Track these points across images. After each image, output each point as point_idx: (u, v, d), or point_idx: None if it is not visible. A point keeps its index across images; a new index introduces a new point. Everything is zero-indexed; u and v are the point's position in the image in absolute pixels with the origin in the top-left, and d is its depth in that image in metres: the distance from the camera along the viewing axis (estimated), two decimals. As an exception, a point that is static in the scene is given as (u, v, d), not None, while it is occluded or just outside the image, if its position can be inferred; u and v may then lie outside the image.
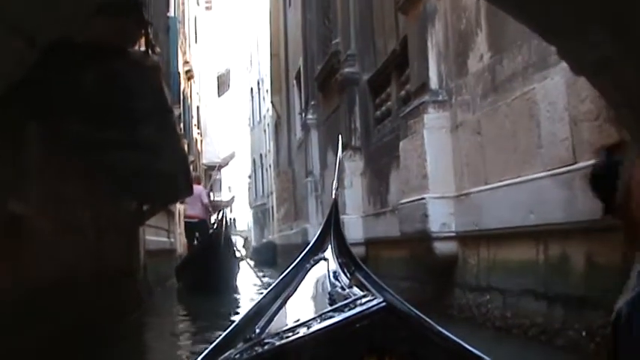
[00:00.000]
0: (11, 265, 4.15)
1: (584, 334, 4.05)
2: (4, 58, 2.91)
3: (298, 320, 2.19)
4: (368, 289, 2.50)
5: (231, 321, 6.49)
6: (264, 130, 35.14)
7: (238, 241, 16.63)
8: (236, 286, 12.67)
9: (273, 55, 23.71)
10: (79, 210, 6.10)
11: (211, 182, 22.85)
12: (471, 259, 5.96)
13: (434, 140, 6.45)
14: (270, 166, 32.17)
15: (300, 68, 18.34)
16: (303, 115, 17.03)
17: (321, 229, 3.37)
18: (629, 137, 3.29)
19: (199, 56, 28.40)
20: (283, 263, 16.63)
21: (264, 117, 35.01)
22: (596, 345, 3.91)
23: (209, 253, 11.12)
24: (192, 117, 22.12)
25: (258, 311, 2.55)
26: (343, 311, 2.13)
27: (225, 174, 40.86)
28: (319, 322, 2.09)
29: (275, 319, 2.43)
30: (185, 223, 15.01)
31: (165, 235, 14.63)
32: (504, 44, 5.39)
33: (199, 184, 14.98)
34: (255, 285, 12.89)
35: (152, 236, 11.88)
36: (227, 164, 36.63)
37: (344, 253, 3.11)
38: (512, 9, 3.86)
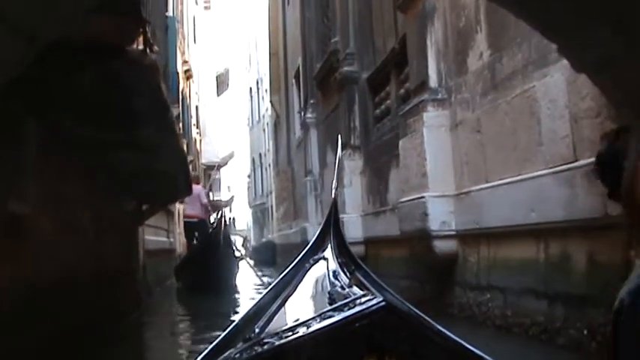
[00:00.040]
0: (10, 265, 4.13)
1: (585, 332, 4.03)
2: (3, 57, 2.90)
3: (298, 320, 2.19)
4: (367, 289, 2.49)
5: (230, 321, 6.47)
6: (264, 130, 35.12)
7: (237, 241, 16.58)
8: (235, 286, 12.65)
9: (272, 55, 23.68)
10: (79, 210, 6.08)
11: (210, 182, 22.81)
12: (471, 258, 5.94)
13: (433, 139, 6.43)
14: (269, 165, 32.15)
15: (299, 67, 18.32)
16: (302, 114, 17.02)
17: (321, 228, 3.36)
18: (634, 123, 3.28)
19: (198, 56, 28.36)
20: (283, 263, 16.61)
21: (263, 116, 34.99)
22: (597, 344, 3.89)
23: (208, 252, 11.10)
24: (191, 117, 22.08)
25: (258, 311, 2.54)
26: (343, 311, 2.12)
27: (224, 173, 40.82)
28: (319, 322, 2.09)
29: (274, 318, 2.42)
30: (184, 222, 14.99)
31: (164, 234, 14.61)
32: (504, 42, 5.37)
33: (198, 183, 14.96)
34: (254, 284, 12.88)
35: (151, 236, 11.86)
36: (226, 164, 36.55)
37: (343, 252, 3.10)
38: (513, 6, 3.85)
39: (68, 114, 4.89)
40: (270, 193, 30.68)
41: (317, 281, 2.89)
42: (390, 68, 9.10)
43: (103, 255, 6.91)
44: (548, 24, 3.68)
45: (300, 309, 2.56)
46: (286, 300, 2.68)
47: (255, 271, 13.99)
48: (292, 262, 3.06)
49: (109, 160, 6.34)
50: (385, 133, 9.13)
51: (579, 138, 4.24)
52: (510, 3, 3.89)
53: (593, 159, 3.99)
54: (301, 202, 16.86)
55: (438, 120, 6.46)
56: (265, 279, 12.76)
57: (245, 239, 23.99)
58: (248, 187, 43.51)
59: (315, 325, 2.07)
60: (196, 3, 30.08)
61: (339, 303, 2.23)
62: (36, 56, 3.31)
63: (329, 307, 2.21)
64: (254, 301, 2.72)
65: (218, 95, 37.46)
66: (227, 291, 11.30)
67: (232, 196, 29.54)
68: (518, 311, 4.96)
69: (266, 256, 24.22)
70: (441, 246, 6.23)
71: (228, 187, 45.35)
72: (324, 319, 2.10)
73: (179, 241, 17.12)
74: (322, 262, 2.99)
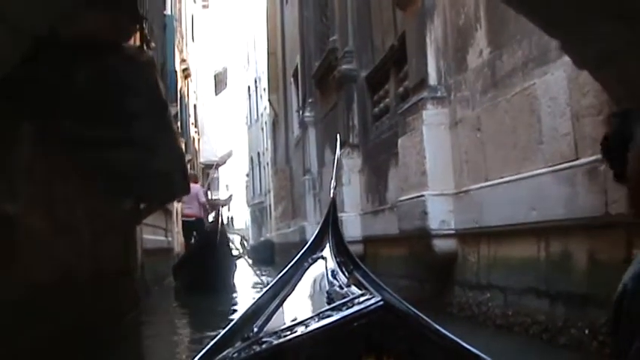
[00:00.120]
0: (4, 266, 4.08)
1: (586, 332, 4.00)
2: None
3: (296, 319, 2.18)
4: (366, 288, 2.48)
5: (228, 320, 6.45)
6: (262, 129, 35.11)
7: (235, 240, 16.60)
8: (233, 285, 12.64)
9: (271, 53, 23.64)
10: (75, 209, 6.02)
11: (209, 181, 22.74)
12: (470, 257, 5.91)
13: (433, 137, 6.40)
14: (267, 164, 32.14)
15: (297, 66, 18.30)
16: (301, 112, 16.99)
17: (320, 227, 3.35)
18: None
19: (196, 55, 28.34)
20: (281, 262, 16.59)
21: (262, 115, 34.98)
22: (599, 343, 3.86)
23: (206, 251, 11.08)
24: (189, 115, 22.07)
25: (256, 310, 2.54)
26: (341, 310, 2.11)
27: (222, 172, 40.82)
28: (317, 321, 2.08)
29: (273, 318, 2.40)
30: (182, 222, 14.96)
31: (162, 233, 14.57)
32: (504, 39, 5.34)
33: (197, 182, 14.95)
34: (253, 283, 12.85)
35: (149, 235, 11.82)
36: (224, 163, 36.52)
37: (342, 251, 3.08)
38: (514, 1, 3.81)
39: (63, 112, 4.83)
40: (269, 192, 30.66)
41: (315, 280, 2.87)
42: (389, 66, 9.06)
43: (100, 254, 6.86)
44: (550, 19, 3.65)
45: (299, 308, 2.55)
46: (285, 299, 2.67)
47: (254, 270, 13.95)
48: (291, 261, 3.05)
49: (105, 158, 6.28)
50: (384, 131, 9.10)
51: (581, 136, 4.21)
52: (511, -1, 3.86)
53: (595, 157, 3.98)
54: (300, 201, 16.84)
55: (438, 118, 6.43)
56: (264, 278, 12.75)
57: (242, 238, 23.96)
58: (246, 186, 43.53)
59: (314, 325, 2.06)
60: (194, 2, 30.07)
61: (338, 302, 2.22)
62: (30, 54, 3.27)
63: (327, 307, 2.20)
64: (252, 300, 2.71)
65: (216, 94, 37.43)
66: (225, 290, 11.30)
67: (230, 195, 29.47)
68: (518, 310, 4.92)
69: (264, 255, 24.21)
70: (441, 245, 6.19)
71: (227, 186, 45.33)
72: (323, 318, 2.09)
73: (177, 241, 17.09)
74: (321, 262, 2.97)
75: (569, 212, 4.27)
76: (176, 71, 15.97)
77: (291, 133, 20.14)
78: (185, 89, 21.17)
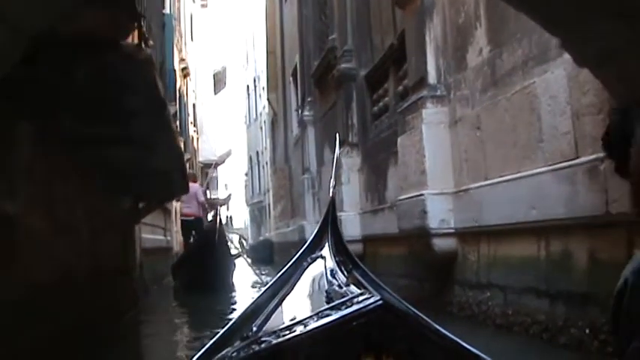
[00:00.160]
0: (4, 266, 4.07)
1: (587, 331, 3.99)
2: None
3: (295, 318, 2.17)
4: (365, 288, 2.48)
5: (227, 319, 6.45)
6: (261, 128, 35.07)
7: (234, 239, 16.62)
8: (232, 284, 12.63)
9: (269, 52, 23.62)
10: (74, 209, 6.01)
11: (208, 180, 22.72)
12: (470, 256, 5.89)
13: (432, 136, 6.38)
14: (266, 163, 32.11)
15: (296, 65, 18.28)
16: (300, 111, 16.96)
17: (319, 227, 3.34)
18: None
19: (195, 54, 28.33)
20: (280, 261, 16.59)
21: (261, 114, 34.93)
22: (599, 343, 3.84)
23: (205, 251, 11.07)
24: (188, 115, 22.05)
25: (255, 309, 2.54)
26: (340, 309, 2.10)
27: (221, 172, 40.81)
28: (316, 321, 2.07)
29: (272, 317, 2.40)
30: (181, 221, 14.95)
31: (161, 233, 14.55)
32: (504, 38, 5.32)
33: (195, 182, 14.93)
34: (253, 282, 12.85)
35: (148, 234, 11.80)
36: (223, 162, 36.45)
37: (341, 251, 3.08)
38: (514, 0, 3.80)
39: (63, 111, 4.82)
40: (268, 191, 30.63)
41: (314, 280, 2.86)
42: (389, 65, 9.04)
43: (99, 254, 6.85)
44: (550, 17, 3.63)
45: (298, 307, 2.54)
46: (284, 298, 2.66)
47: (253, 270, 13.95)
48: (290, 260, 3.05)
49: (104, 157, 6.26)
50: (383, 130, 9.08)
51: (581, 134, 4.19)
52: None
53: (595, 156, 3.97)
54: (299, 200, 16.82)
55: (437, 117, 6.41)
56: (263, 277, 12.73)
57: (241, 237, 23.96)
58: (245, 186, 43.48)
59: (313, 324, 2.05)
60: (193, 1, 30.06)
61: (337, 302, 2.20)
62: (29, 53, 3.25)
63: (326, 306, 2.19)
64: (251, 300, 2.71)
65: (215, 93, 37.44)
66: (224, 289, 11.29)
67: (230, 195, 29.42)
68: (518, 310, 4.91)
69: (263, 255, 24.21)
70: (440, 244, 6.18)
71: (226, 185, 45.27)
72: (322, 317, 2.08)
73: (176, 240, 17.07)
74: (320, 261, 2.97)
75: (570, 211, 4.26)
76: (175, 70, 15.94)
77: (290, 132, 20.12)
78: (184, 88, 21.15)
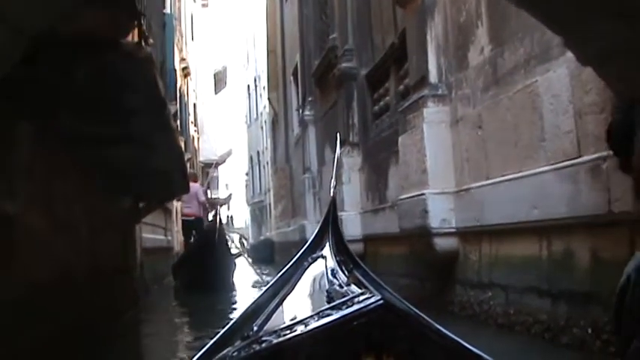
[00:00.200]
0: (4, 266, 4.05)
1: (589, 331, 3.97)
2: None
3: (296, 318, 2.17)
4: (366, 287, 2.48)
5: (228, 319, 6.43)
6: (261, 127, 35.06)
7: (234, 238, 16.64)
8: (233, 284, 12.63)
9: (270, 52, 23.60)
10: (73, 208, 5.99)
11: (208, 180, 22.73)
12: (472, 255, 5.87)
13: (434, 135, 6.36)
14: (267, 163, 32.09)
15: (297, 64, 18.26)
16: (301, 111, 16.94)
17: (319, 226, 3.33)
18: None
19: (196, 53, 28.31)
20: (281, 261, 16.57)
21: (261, 114, 34.93)
22: (602, 342, 3.82)
23: (205, 251, 11.08)
24: (188, 114, 22.04)
25: (256, 309, 2.53)
26: (341, 309, 2.09)
27: (222, 171, 40.78)
28: (317, 320, 2.06)
29: (273, 316, 2.39)
30: (182, 221, 14.93)
31: (162, 232, 14.54)
32: (505, 37, 5.30)
33: (196, 181, 14.92)
34: (252, 282, 12.84)
35: (149, 234, 11.79)
36: (224, 162, 36.48)
37: (342, 250, 3.07)
38: (515, -3, 3.78)
39: (62, 110, 4.80)
40: (269, 190, 30.63)
41: (315, 279, 2.86)
42: (389, 64, 9.03)
43: (98, 253, 6.84)
44: (550, 15, 3.61)
45: (299, 307, 2.54)
46: (284, 298, 2.66)
47: (254, 269, 13.94)
48: (290, 260, 3.03)
49: (104, 156, 6.25)
50: (384, 129, 9.06)
51: (583, 133, 4.17)
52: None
53: (597, 155, 3.95)
54: (299, 200, 16.80)
55: (438, 116, 6.39)
56: (264, 277, 12.72)
57: (241, 236, 23.98)
58: (246, 185, 43.48)
59: (313, 324, 2.05)
60: (194, 1, 30.03)
61: (337, 301, 2.20)
62: (29, 53, 3.23)
63: (327, 306, 2.18)
64: (252, 299, 2.70)
65: (216, 93, 37.42)
66: (225, 289, 11.29)
67: (230, 194, 29.44)
68: (520, 309, 4.89)
69: (264, 254, 24.21)
70: (442, 243, 6.16)
71: (226, 185, 45.24)
72: (322, 317, 2.07)
73: (177, 240, 17.06)
74: (320, 261, 2.96)
75: (572, 210, 4.24)
76: (175, 70, 15.93)
77: (291, 132, 20.10)
78: (185, 88, 21.14)
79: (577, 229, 4.27)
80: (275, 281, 2.85)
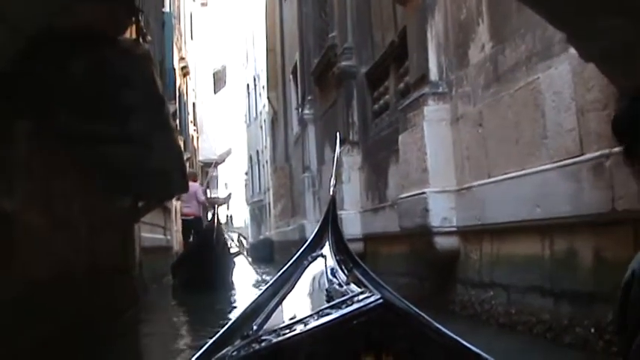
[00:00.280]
0: (3, 264, 4.02)
1: (592, 330, 3.93)
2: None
3: (295, 317, 2.16)
4: (365, 286, 2.48)
5: (227, 318, 6.41)
6: (261, 127, 35.04)
7: (233, 238, 16.67)
8: (232, 283, 12.61)
9: (269, 51, 23.57)
10: (72, 206, 5.97)
11: (208, 179, 22.72)
12: (473, 255, 5.84)
13: (434, 133, 6.32)
14: (266, 162, 32.07)
15: (296, 63, 18.22)
16: (300, 110, 16.91)
17: (319, 225, 3.33)
18: None
19: (195, 53, 28.29)
20: (280, 260, 16.55)
21: (261, 113, 34.90)
22: (605, 342, 3.79)
23: (204, 250, 11.07)
24: (188, 114, 22.01)
25: (256, 308, 2.53)
26: (340, 308, 2.08)
27: (221, 171, 40.78)
28: (316, 319, 2.05)
29: (272, 316, 2.39)
30: (182, 220, 14.91)
31: (161, 232, 14.52)
32: (506, 34, 5.26)
33: (195, 181, 14.89)
34: (251, 281, 12.83)
35: (148, 233, 11.78)
36: (223, 161, 36.50)
37: (342, 250, 3.07)
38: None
39: (60, 108, 4.78)
40: (268, 190, 30.60)
41: (315, 279, 2.85)
42: (389, 62, 8.99)
43: (97, 252, 6.82)
44: (553, 12, 3.59)
45: (298, 306, 2.52)
46: (284, 297, 2.65)
47: (253, 268, 13.93)
48: (290, 259, 3.03)
49: (103, 155, 6.23)
50: (384, 128, 9.03)
51: (586, 131, 4.13)
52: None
53: (600, 152, 3.91)
54: (299, 199, 16.78)
55: (439, 114, 6.35)
56: (263, 276, 12.71)
57: (240, 235, 23.99)
58: (245, 185, 43.45)
59: (313, 323, 2.03)
60: (193, 0, 29.99)
61: (337, 300, 2.18)
62: (26, 49, 3.20)
63: (326, 305, 2.17)
64: (252, 299, 2.69)
65: (215, 92, 37.41)
66: (224, 288, 11.29)
67: (230, 194, 29.43)
68: (522, 309, 4.85)
69: (263, 254, 24.21)
70: (442, 242, 6.12)
71: (226, 184, 45.22)
72: (322, 316, 2.06)
73: (176, 239, 17.03)
74: (320, 260, 2.95)
75: (575, 209, 4.20)
76: (175, 69, 15.89)
77: (291, 131, 20.07)
78: (184, 87, 21.11)
79: (580, 228, 4.23)
80: (275, 280, 2.84)
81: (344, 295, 2.24)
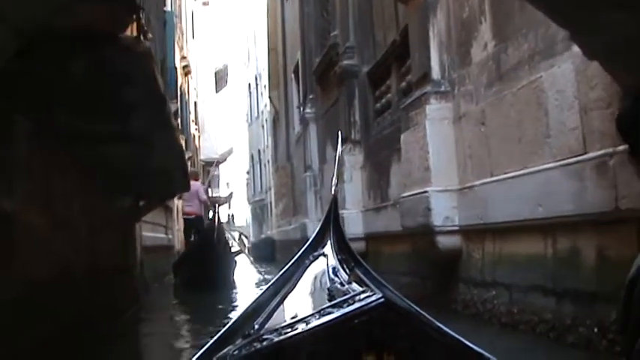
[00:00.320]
0: (3, 264, 4.01)
1: (595, 330, 3.91)
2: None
3: (297, 316, 2.17)
4: (367, 285, 2.47)
5: (228, 317, 6.39)
6: (262, 126, 35.06)
7: (235, 237, 16.71)
8: (233, 282, 12.61)
9: (271, 50, 23.55)
10: (72, 206, 5.95)
11: (209, 178, 22.74)
12: (475, 254, 5.82)
13: (436, 132, 6.30)
14: (268, 161, 32.08)
15: (298, 62, 18.21)
16: (302, 109, 16.91)
17: (321, 224, 3.32)
18: None
19: (196, 52, 28.29)
20: (282, 259, 16.55)
21: (262, 112, 34.93)
22: (608, 342, 3.77)
23: (205, 249, 11.06)
24: (189, 113, 22.02)
25: (257, 307, 2.53)
26: (342, 307, 2.09)
27: (223, 170, 40.80)
28: (318, 318, 2.07)
29: (274, 315, 2.40)
30: (183, 219, 14.91)
31: (162, 231, 14.51)
32: (509, 32, 5.24)
33: (197, 180, 14.87)
34: (253, 280, 12.82)
35: (149, 232, 11.77)
36: (225, 160, 36.52)
37: (343, 249, 3.06)
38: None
39: (60, 106, 4.75)
40: (270, 189, 30.61)
41: (316, 278, 2.85)
42: (391, 61, 8.97)
43: (98, 251, 6.80)
44: (555, 8, 3.57)
45: (300, 305, 2.52)
46: (286, 296, 2.65)
47: (255, 268, 13.92)
48: (292, 258, 3.02)
49: (104, 154, 6.21)
50: (386, 127, 9.01)
51: (589, 130, 4.11)
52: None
53: (603, 151, 3.89)
54: (301, 198, 16.77)
55: (441, 112, 6.33)
56: (265, 275, 12.71)
57: (241, 234, 24.02)
58: (247, 184, 43.47)
59: (315, 322, 2.04)
60: (195, -1, 30.00)
61: (339, 299, 2.19)
62: (25, 47, 3.18)
63: (328, 304, 2.18)
64: (253, 298, 2.68)
65: (217, 91, 37.40)
66: (225, 287, 11.28)
67: (231, 193, 29.49)
68: (524, 308, 4.83)
69: (265, 253, 24.22)
70: (445, 241, 6.11)
71: (227, 183, 45.29)
72: (324, 315, 2.07)
73: (177, 238, 17.02)
74: (322, 259, 2.95)
75: (578, 208, 4.18)
76: (176, 68, 15.90)
77: (292, 130, 20.06)
78: (185, 86, 21.11)
79: (583, 227, 4.21)
80: (276, 279, 2.83)
81: (345, 294, 2.24)
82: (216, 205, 12.81)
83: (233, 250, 14.56)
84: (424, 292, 6.66)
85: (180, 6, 21.21)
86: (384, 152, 8.74)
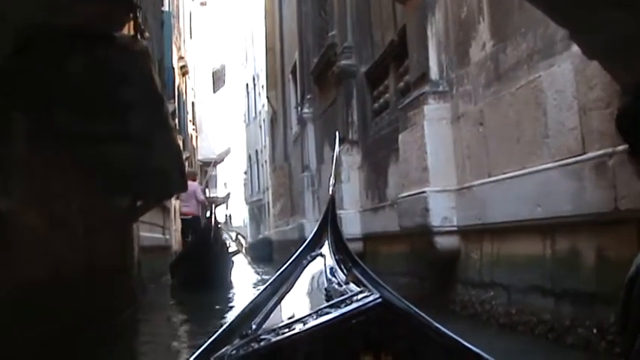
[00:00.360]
0: (1, 264, 3.99)
1: (594, 331, 3.90)
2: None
3: (294, 316, 2.18)
4: (365, 286, 2.49)
5: (225, 317, 6.38)
6: (260, 126, 35.06)
7: (232, 237, 16.71)
8: (231, 282, 12.60)
9: (269, 50, 23.54)
10: (70, 206, 5.93)
11: (207, 178, 22.74)
12: (473, 254, 5.81)
13: (434, 132, 6.29)
14: (265, 161, 32.09)
15: (295, 62, 18.20)
16: (299, 109, 16.88)
17: (318, 225, 3.32)
18: None
19: (194, 52, 28.29)
20: (279, 259, 16.53)
21: (260, 112, 34.92)
22: (607, 343, 3.75)
23: (202, 249, 11.05)
24: (187, 113, 21.99)
25: (255, 307, 2.52)
26: (339, 307, 2.10)
27: (220, 170, 40.77)
28: (315, 319, 2.08)
29: (271, 315, 2.40)
30: (181, 219, 14.90)
31: (160, 231, 14.49)
32: (508, 32, 5.23)
33: (194, 180, 14.87)
34: (250, 280, 12.81)
35: (146, 232, 11.76)
36: (222, 160, 36.55)
37: (341, 249, 3.06)
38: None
39: (57, 105, 4.74)
40: (267, 189, 30.60)
41: (314, 278, 2.84)
42: (389, 61, 8.96)
43: (95, 251, 6.79)
44: (554, 7, 3.56)
45: (297, 306, 2.52)
46: (283, 297, 2.64)
47: (252, 268, 13.91)
48: (289, 258, 3.01)
49: (102, 154, 6.20)
50: (384, 127, 9.00)
51: (588, 130, 4.10)
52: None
53: (603, 151, 3.88)
54: (298, 199, 16.75)
55: (439, 113, 6.32)
56: (263, 275, 12.69)
57: (238, 234, 23.99)
58: (244, 184, 43.47)
59: (312, 322, 2.05)
60: (192, -1, 29.98)
61: (336, 300, 2.19)
62: (22, 45, 3.17)
63: (326, 304, 2.18)
64: (251, 298, 2.68)
65: (214, 92, 37.39)
66: (222, 287, 11.27)
67: (229, 193, 29.48)
68: (523, 309, 4.82)
69: (262, 253, 24.20)
70: (443, 242, 6.09)
71: (225, 183, 45.24)
72: (321, 315, 2.08)
73: (175, 238, 17.01)
74: (319, 259, 2.94)
75: (576, 208, 4.16)
76: (174, 68, 15.84)
77: (290, 130, 20.04)
78: (183, 86, 21.09)
79: (582, 228, 4.20)
80: (274, 280, 2.82)
81: (343, 295, 2.25)
82: (213, 205, 12.80)
83: (230, 250, 14.54)
84: (422, 293, 6.65)
85: (177, 6, 21.19)
86: (382, 152, 8.73)
